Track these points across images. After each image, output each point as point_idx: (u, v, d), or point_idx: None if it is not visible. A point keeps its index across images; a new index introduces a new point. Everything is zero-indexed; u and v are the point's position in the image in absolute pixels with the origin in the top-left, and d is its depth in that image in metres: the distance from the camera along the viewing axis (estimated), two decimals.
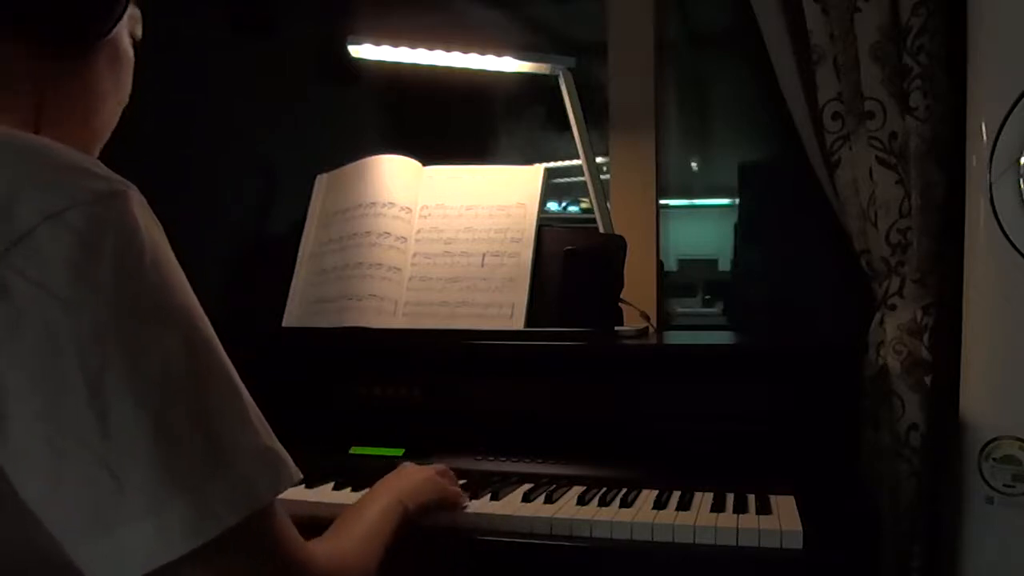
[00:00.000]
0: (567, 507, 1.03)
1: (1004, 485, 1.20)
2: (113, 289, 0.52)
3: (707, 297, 1.90)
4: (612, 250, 1.34)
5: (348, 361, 1.30)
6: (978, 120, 1.22)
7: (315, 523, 0.74)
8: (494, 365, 1.24)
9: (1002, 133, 1.18)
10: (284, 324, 1.39)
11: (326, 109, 1.94)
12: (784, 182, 1.72)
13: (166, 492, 0.51)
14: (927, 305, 1.37)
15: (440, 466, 1.05)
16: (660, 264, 1.77)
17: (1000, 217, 1.19)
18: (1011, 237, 1.18)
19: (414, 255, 1.38)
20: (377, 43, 1.43)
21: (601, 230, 1.48)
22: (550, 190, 1.56)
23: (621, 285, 1.35)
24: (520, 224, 1.36)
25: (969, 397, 1.26)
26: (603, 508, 1.02)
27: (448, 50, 1.44)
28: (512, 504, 1.04)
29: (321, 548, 0.66)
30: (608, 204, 1.57)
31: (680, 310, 1.88)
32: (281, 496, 0.59)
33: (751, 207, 1.83)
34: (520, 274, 1.33)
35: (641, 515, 0.99)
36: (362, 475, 1.07)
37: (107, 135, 0.73)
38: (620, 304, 1.38)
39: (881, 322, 1.41)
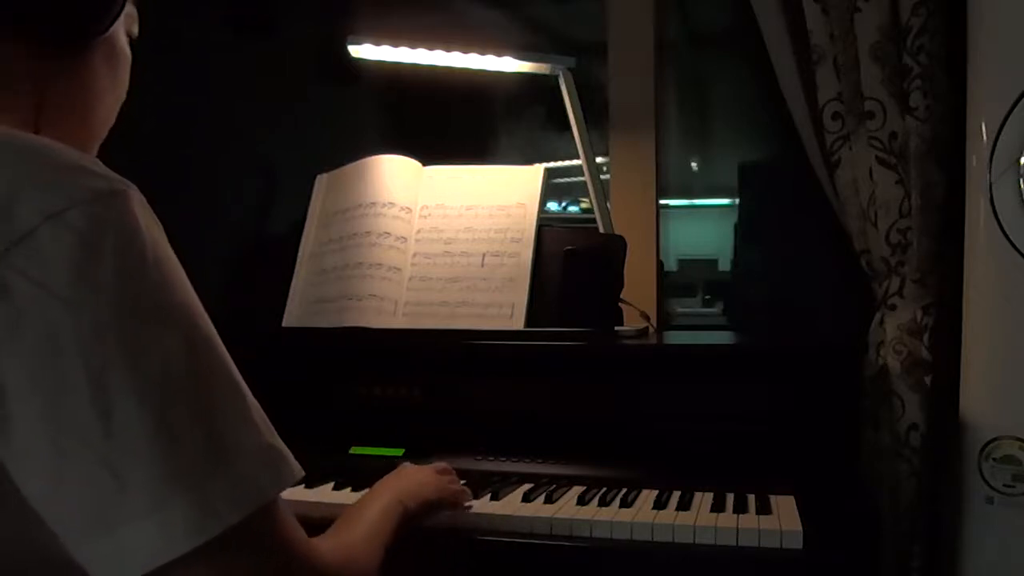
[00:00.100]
0: (567, 507, 1.03)
1: (1004, 485, 1.20)
2: (114, 289, 0.52)
3: (707, 297, 1.90)
4: (612, 250, 1.34)
5: (348, 361, 1.30)
6: (978, 120, 1.22)
7: (315, 523, 0.74)
8: (494, 365, 1.24)
9: (1002, 133, 1.18)
10: (284, 324, 1.39)
11: (326, 109, 1.94)
12: (784, 182, 1.72)
13: (168, 491, 0.51)
14: (927, 305, 1.37)
15: (441, 464, 1.05)
16: (660, 264, 1.77)
17: (1000, 217, 1.19)
18: (1011, 237, 1.18)
19: (414, 255, 1.38)
20: (377, 43, 1.43)
21: (601, 230, 1.48)
22: (550, 190, 1.56)
23: (621, 285, 1.35)
24: (520, 224, 1.36)
25: (969, 397, 1.26)
26: (603, 508, 1.02)
27: (448, 50, 1.44)
28: (512, 504, 1.04)
29: (324, 545, 0.66)
30: (608, 204, 1.57)
31: (680, 310, 1.88)
32: (281, 495, 0.59)
33: (751, 207, 1.83)
34: (520, 274, 1.33)
35: (641, 515, 0.99)
36: (362, 475, 1.07)
37: (105, 133, 0.73)
38: (620, 304, 1.38)
39: (881, 322, 1.41)
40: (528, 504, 1.04)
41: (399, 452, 1.19)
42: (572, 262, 1.32)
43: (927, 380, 1.36)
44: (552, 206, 1.93)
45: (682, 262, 1.88)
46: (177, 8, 1.78)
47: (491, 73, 1.49)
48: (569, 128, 1.48)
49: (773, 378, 1.15)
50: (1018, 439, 1.19)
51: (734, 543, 0.94)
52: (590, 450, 1.16)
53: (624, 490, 1.07)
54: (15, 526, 0.53)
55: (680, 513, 0.99)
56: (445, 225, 1.39)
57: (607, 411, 1.20)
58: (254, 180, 2.00)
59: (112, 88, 0.72)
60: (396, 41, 1.43)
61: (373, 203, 1.40)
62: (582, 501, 1.04)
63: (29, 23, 0.63)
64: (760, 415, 1.13)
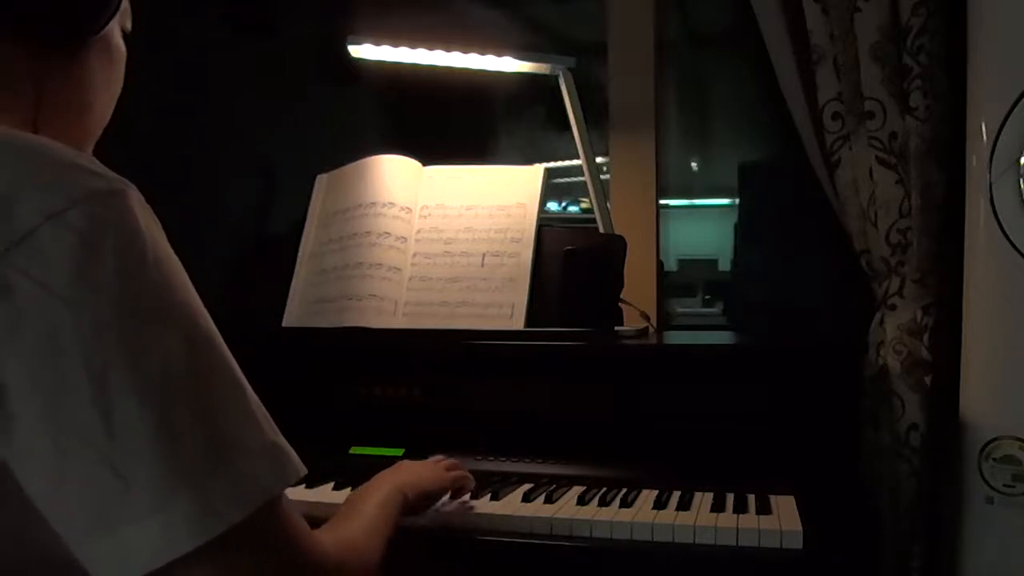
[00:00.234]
0: (567, 507, 1.03)
1: (1004, 485, 1.20)
2: (115, 288, 0.52)
3: (707, 297, 1.90)
4: (612, 250, 1.34)
5: (348, 361, 1.30)
6: (978, 120, 1.22)
7: (315, 523, 0.74)
8: (494, 365, 1.24)
9: (1002, 133, 1.18)
10: (284, 324, 1.39)
11: (326, 109, 1.94)
12: (784, 182, 1.72)
13: (170, 490, 0.51)
14: (927, 305, 1.37)
15: (438, 457, 1.05)
16: (660, 264, 1.77)
17: (1000, 217, 1.19)
18: (1011, 237, 1.18)
19: (414, 255, 1.38)
20: (377, 43, 1.43)
21: (601, 230, 1.48)
22: (550, 190, 1.56)
23: (621, 285, 1.35)
24: (520, 224, 1.36)
25: (969, 397, 1.26)
26: (603, 508, 1.02)
27: (448, 50, 1.44)
28: (512, 504, 1.04)
29: (326, 539, 0.66)
30: (608, 204, 1.57)
31: (680, 310, 1.88)
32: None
33: (751, 207, 1.83)
34: (520, 274, 1.33)
35: (641, 515, 0.99)
36: (362, 475, 1.06)
37: (100, 130, 0.73)
38: (620, 304, 1.38)
39: (881, 322, 1.41)
40: (528, 504, 1.04)
41: (399, 452, 1.19)
42: (572, 262, 1.32)
43: (927, 380, 1.36)
44: (552, 206, 1.93)
45: (682, 262, 1.88)
46: (176, 7, 1.78)
47: (491, 73, 1.49)
48: (569, 128, 1.48)
49: (773, 378, 1.15)
50: (1018, 439, 1.19)
51: (734, 543, 0.94)
52: (590, 450, 1.16)
53: (624, 490, 1.07)
54: (16, 525, 0.53)
55: (680, 513, 0.99)
56: (445, 225, 1.39)
57: (607, 411, 1.20)
58: (254, 180, 2.00)
59: (108, 85, 0.72)
60: (396, 41, 1.43)
61: (373, 203, 1.40)
62: (582, 501, 1.04)
63: (29, 23, 0.63)
64: (760, 415, 1.13)
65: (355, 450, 1.23)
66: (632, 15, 1.73)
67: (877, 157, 1.35)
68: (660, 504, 1.02)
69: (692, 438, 1.13)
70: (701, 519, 0.97)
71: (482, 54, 1.44)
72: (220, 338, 0.58)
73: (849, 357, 1.22)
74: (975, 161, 1.23)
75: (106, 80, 0.71)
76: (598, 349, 1.25)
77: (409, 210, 1.41)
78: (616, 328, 1.36)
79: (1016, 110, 1.17)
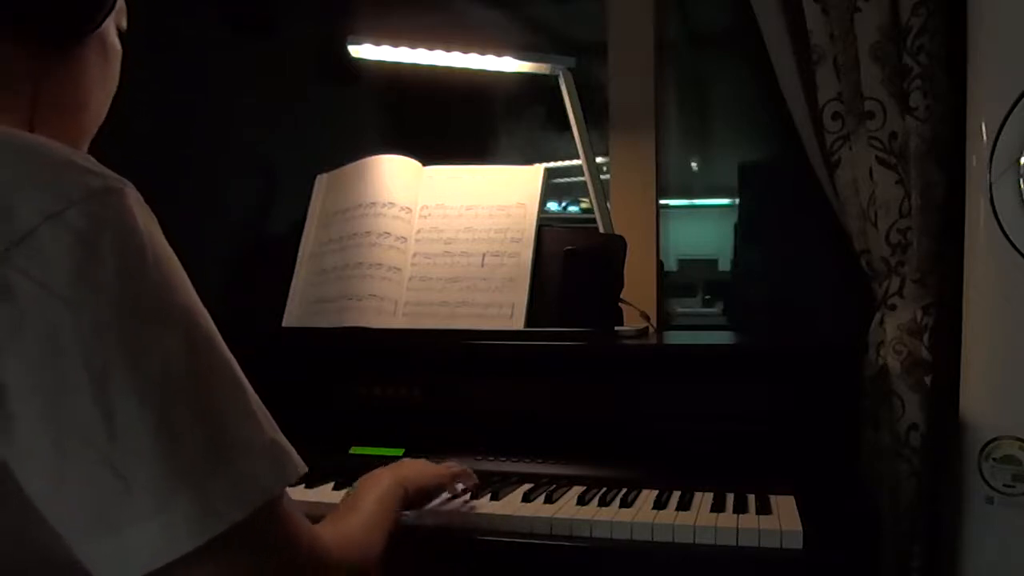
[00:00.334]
0: (567, 507, 1.03)
1: (1004, 485, 1.20)
2: (114, 288, 0.52)
3: (707, 297, 1.90)
4: (612, 250, 1.34)
5: (348, 361, 1.30)
6: (978, 120, 1.22)
7: (315, 523, 0.74)
8: (494, 365, 1.24)
9: (1002, 133, 1.18)
10: (284, 324, 1.39)
11: (326, 109, 1.94)
12: (784, 182, 1.72)
13: (171, 490, 0.51)
14: (927, 305, 1.37)
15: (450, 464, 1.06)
16: (660, 264, 1.77)
17: (1000, 217, 1.19)
18: (1011, 237, 1.18)
19: (414, 255, 1.38)
20: (377, 43, 1.43)
21: (601, 230, 1.48)
22: (550, 190, 1.56)
23: (621, 285, 1.35)
24: (520, 224, 1.35)
25: (969, 397, 1.26)
26: (603, 508, 1.02)
27: (448, 50, 1.44)
28: (512, 504, 1.04)
29: (327, 536, 0.66)
30: (608, 204, 1.57)
31: (680, 310, 1.88)
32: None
33: (751, 207, 1.83)
34: (520, 274, 1.33)
35: (641, 515, 0.99)
36: (362, 475, 1.07)
37: (96, 128, 0.72)
38: (620, 304, 1.38)
39: (881, 322, 1.41)
40: (528, 504, 1.04)
41: (399, 452, 1.19)
42: (572, 262, 1.32)
43: (927, 380, 1.36)
44: (552, 206, 1.93)
45: (682, 262, 1.88)
46: (176, 7, 1.78)
47: (491, 73, 1.49)
48: (569, 128, 1.48)
49: (773, 378, 1.15)
50: (1018, 439, 1.19)
51: (734, 543, 0.94)
52: (590, 450, 1.16)
53: (624, 490, 1.07)
54: (16, 526, 0.53)
55: (680, 513, 0.99)
56: (445, 225, 1.38)
57: (607, 411, 1.20)
58: (254, 180, 2.00)
59: (103, 83, 0.71)
60: (396, 41, 1.43)
61: (373, 203, 1.40)
62: (582, 501, 1.04)
63: (29, 22, 0.63)
64: (760, 415, 1.13)
65: (355, 450, 1.23)
66: (632, 15, 1.73)
67: (877, 157, 1.35)
68: (660, 504, 1.02)
69: (692, 438, 1.13)
70: (701, 519, 0.97)
71: (482, 54, 1.44)
72: (219, 337, 0.58)
73: (849, 357, 1.22)
74: (975, 161, 1.23)
75: (102, 78, 0.71)
76: (598, 349, 1.25)
77: (409, 210, 1.41)
78: (616, 328, 1.36)
79: (1016, 110, 1.17)
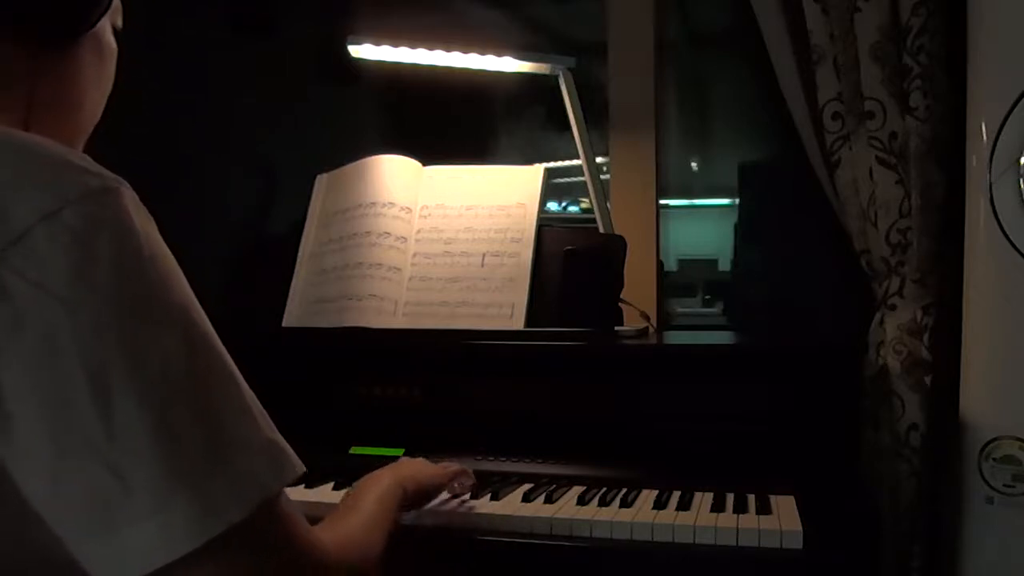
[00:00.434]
0: (567, 507, 1.03)
1: (1004, 485, 1.20)
2: (112, 288, 0.52)
3: (707, 297, 1.90)
4: (612, 250, 1.34)
5: (348, 361, 1.30)
6: (978, 120, 1.22)
7: (315, 523, 0.74)
8: (494, 365, 1.24)
9: (1002, 133, 1.18)
10: (284, 324, 1.39)
11: (326, 109, 1.94)
12: (784, 182, 1.72)
13: (169, 491, 0.51)
14: (927, 305, 1.37)
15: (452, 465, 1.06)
16: (660, 264, 1.77)
17: (1000, 217, 1.19)
18: (1011, 237, 1.18)
19: (414, 255, 1.38)
20: (377, 43, 1.43)
21: (601, 230, 1.48)
22: (550, 190, 1.56)
23: (621, 285, 1.35)
24: (520, 224, 1.35)
25: (969, 397, 1.26)
26: (603, 508, 1.02)
27: (448, 50, 1.44)
28: (512, 504, 1.04)
29: (325, 536, 0.66)
30: (608, 204, 1.57)
31: (680, 310, 1.88)
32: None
33: (751, 207, 1.83)
34: (520, 274, 1.33)
35: (641, 515, 0.99)
36: (362, 475, 1.07)
37: (91, 128, 0.72)
38: (620, 304, 1.38)
39: (881, 322, 1.41)
40: (528, 504, 1.04)
41: (399, 452, 1.19)
42: (572, 262, 1.32)
43: (927, 380, 1.36)
44: (552, 206, 1.93)
45: (682, 262, 1.88)
46: (176, 7, 1.78)
47: (491, 73, 1.49)
48: (569, 128, 1.48)
49: (773, 378, 1.15)
50: (1018, 439, 1.19)
51: (734, 543, 0.94)
52: (590, 450, 1.16)
53: (624, 490, 1.07)
54: (16, 526, 0.53)
55: (680, 513, 0.99)
56: (445, 225, 1.38)
57: (607, 411, 1.20)
58: (254, 180, 2.00)
59: (98, 82, 0.71)
60: (396, 41, 1.43)
61: (373, 203, 1.40)
62: (582, 501, 1.04)
63: (24, 22, 0.63)
64: (760, 415, 1.13)
65: (355, 450, 1.23)
66: (632, 15, 1.73)
67: (877, 157, 1.35)
68: (660, 504, 1.02)
69: (692, 438, 1.13)
70: (701, 519, 0.97)
71: (482, 54, 1.44)
72: (216, 337, 0.58)
73: (849, 357, 1.22)
74: (975, 161, 1.23)
75: (97, 77, 0.71)
76: (598, 349, 1.25)
77: (409, 210, 1.41)
78: (616, 328, 1.36)
79: (1016, 110, 1.17)
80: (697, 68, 1.89)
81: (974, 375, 1.25)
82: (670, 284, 1.85)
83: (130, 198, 0.56)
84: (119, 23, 0.73)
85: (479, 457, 1.19)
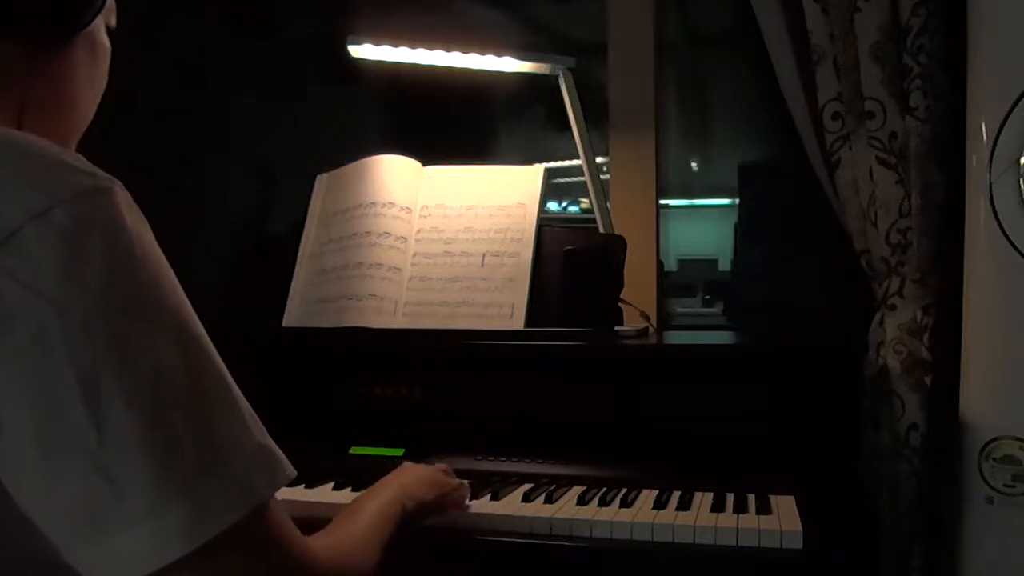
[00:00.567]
0: (567, 507, 1.03)
1: (1004, 485, 1.20)
2: (103, 288, 0.52)
3: (707, 297, 1.90)
4: (612, 250, 1.34)
5: (348, 361, 1.30)
6: (978, 120, 1.22)
7: (315, 523, 0.74)
8: (494, 365, 1.24)
9: (1002, 133, 1.18)
10: (284, 324, 1.39)
11: (326, 109, 1.94)
12: (784, 182, 1.72)
13: (162, 495, 0.51)
14: (927, 305, 1.37)
15: (442, 465, 1.05)
16: (660, 264, 1.77)
17: (1000, 217, 1.19)
18: (1011, 237, 1.18)
19: (414, 255, 1.38)
20: (377, 43, 1.43)
21: (601, 230, 1.48)
22: (550, 190, 1.56)
23: (621, 285, 1.35)
24: (520, 224, 1.35)
25: (969, 397, 1.26)
26: (603, 508, 1.02)
27: (448, 50, 1.44)
28: (512, 504, 1.04)
29: (319, 544, 0.66)
30: (608, 204, 1.57)
31: (680, 310, 1.88)
32: (281, 496, 0.59)
33: (751, 207, 1.83)
34: (520, 274, 1.33)
35: (641, 515, 0.99)
36: (362, 475, 1.07)
37: (84, 127, 0.72)
38: (620, 304, 1.38)
39: (881, 322, 1.41)
40: (528, 504, 1.04)
41: (399, 452, 1.19)
42: (572, 262, 1.32)
43: (927, 380, 1.36)
44: (552, 206, 1.93)
45: (682, 262, 1.88)
46: (177, 7, 1.78)
47: (491, 73, 1.49)
48: (569, 128, 1.48)
49: (773, 378, 1.15)
50: (1018, 439, 1.19)
51: (734, 543, 0.93)
52: (590, 450, 1.16)
53: (624, 490, 1.07)
54: (12, 529, 0.52)
55: (680, 513, 0.99)
56: (445, 225, 1.38)
57: (607, 411, 1.20)
58: (254, 180, 2.00)
59: (92, 82, 0.71)
60: (396, 41, 1.43)
61: (373, 203, 1.40)
62: (582, 501, 1.04)
63: (19, 21, 0.63)
64: (760, 415, 1.13)
65: (355, 450, 1.23)
66: (632, 15, 1.73)
67: (877, 157, 1.35)
68: (660, 504, 1.02)
69: (692, 438, 1.13)
70: (701, 519, 0.97)
71: (482, 54, 1.44)
72: (208, 339, 0.57)
73: (849, 357, 1.22)
74: (975, 161, 1.23)
75: (91, 77, 0.70)
76: (598, 349, 1.25)
77: (409, 210, 1.41)
78: (616, 328, 1.36)
79: (1016, 110, 1.17)
80: (697, 68, 1.89)
81: (974, 375, 1.25)
82: (670, 284, 1.85)
83: (123, 198, 0.55)
84: (113, 22, 0.73)
85: (479, 457, 1.19)
